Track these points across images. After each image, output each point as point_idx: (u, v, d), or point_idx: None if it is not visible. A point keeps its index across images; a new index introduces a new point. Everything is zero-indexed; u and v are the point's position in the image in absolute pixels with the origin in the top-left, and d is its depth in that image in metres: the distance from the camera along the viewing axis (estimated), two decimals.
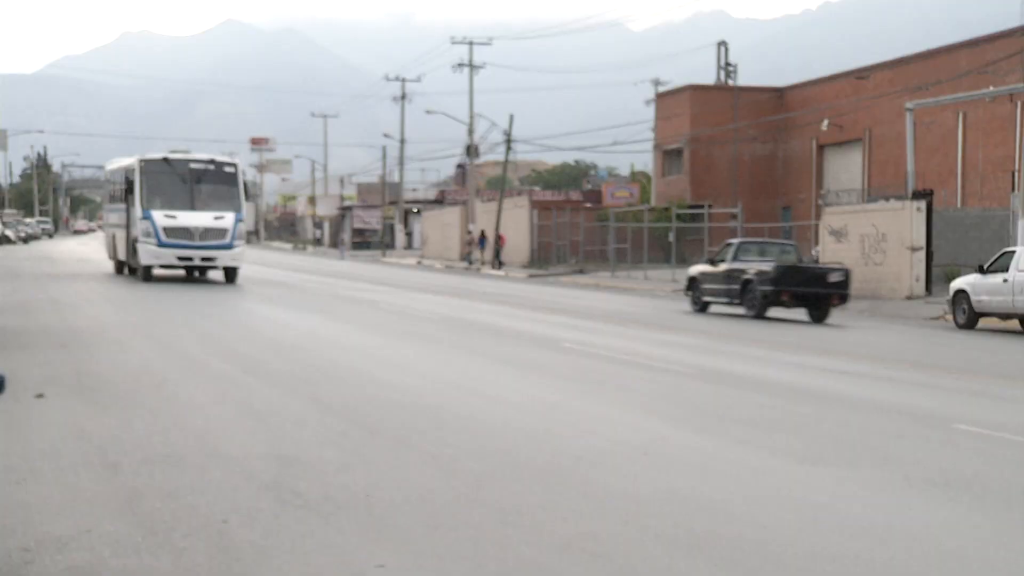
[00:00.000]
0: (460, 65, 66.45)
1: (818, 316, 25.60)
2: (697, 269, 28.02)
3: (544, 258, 59.18)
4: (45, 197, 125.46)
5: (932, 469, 8.51)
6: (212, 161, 31.29)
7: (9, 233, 75.11)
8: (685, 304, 28.75)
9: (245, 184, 31.82)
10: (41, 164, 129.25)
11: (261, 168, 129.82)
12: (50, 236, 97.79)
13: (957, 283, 25.48)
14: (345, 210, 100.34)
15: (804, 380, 13.88)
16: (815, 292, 25.31)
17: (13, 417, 9.64)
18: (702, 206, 51.20)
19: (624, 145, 69.43)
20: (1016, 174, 37.37)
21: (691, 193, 59.02)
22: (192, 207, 30.25)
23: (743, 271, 25.92)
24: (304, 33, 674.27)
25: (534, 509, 6.94)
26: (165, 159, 30.88)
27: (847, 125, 53.78)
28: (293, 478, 7.60)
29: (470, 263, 60.79)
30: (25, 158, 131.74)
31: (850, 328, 23.98)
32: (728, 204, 52.20)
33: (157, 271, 31.20)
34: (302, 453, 8.44)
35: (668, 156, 63.03)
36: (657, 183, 64.69)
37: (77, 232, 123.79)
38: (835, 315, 26.27)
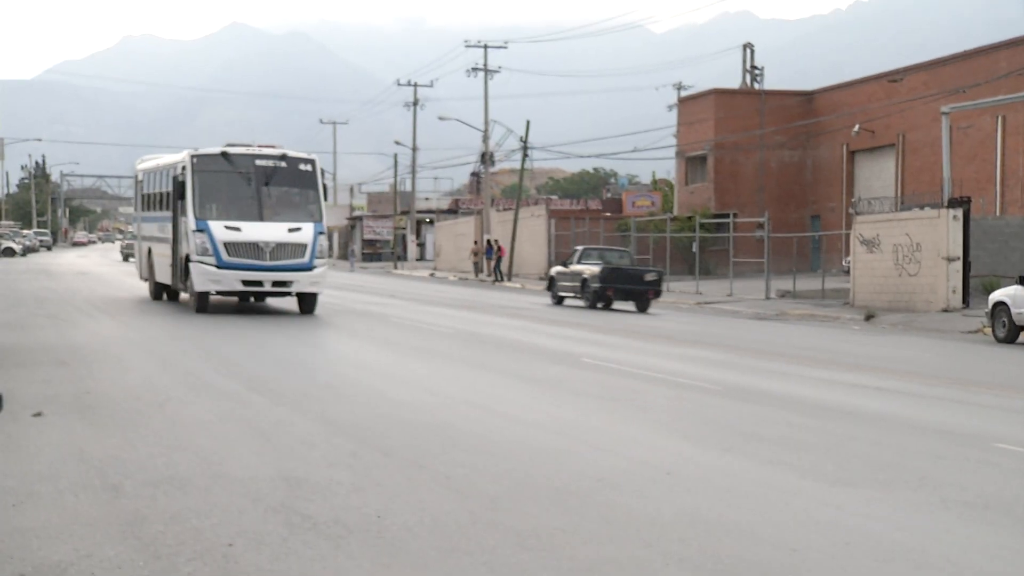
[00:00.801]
0: (474, 69, 66.59)
1: (641, 307, 32.85)
2: (556, 269, 36.58)
3: None
4: (43, 208, 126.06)
5: (970, 491, 8.47)
6: (284, 157, 25.12)
7: (13, 245, 75.92)
8: (713, 315, 28.72)
9: (324, 187, 25.71)
10: (39, 173, 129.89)
11: None
12: (48, 248, 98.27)
13: (996, 295, 25.38)
14: (355, 220, 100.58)
15: (834, 397, 13.84)
16: (633, 288, 32.78)
17: (11, 437, 9.68)
18: (727, 215, 51.19)
19: (645, 152, 69.38)
20: None
21: (715, 202, 58.98)
22: (260, 216, 24.48)
23: (582, 272, 33.75)
24: (312, 37, 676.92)
25: (552, 532, 6.93)
26: (224, 154, 24.98)
27: (879, 130, 53.67)
28: (302, 500, 7.61)
29: (477, 273, 61.00)
30: (23, 167, 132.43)
31: (883, 342, 23.91)
32: (754, 213, 52.13)
33: (213, 298, 25.48)
34: (311, 474, 8.45)
35: (691, 163, 63.00)
36: (680, 191, 64.66)
37: (76, 244, 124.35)
38: (869, 328, 26.18)
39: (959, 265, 32.49)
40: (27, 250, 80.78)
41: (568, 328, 24.94)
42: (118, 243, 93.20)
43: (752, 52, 67.99)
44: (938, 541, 7.00)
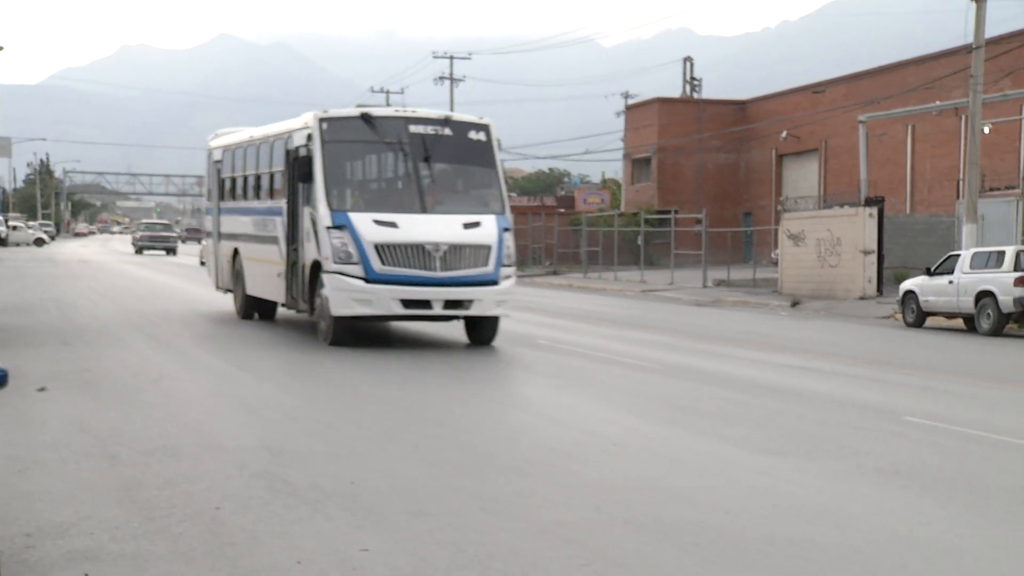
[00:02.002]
0: (441, 78, 66.37)
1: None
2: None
3: (520, 260, 59.15)
4: (48, 202, 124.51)
5: (884, 459, 8.55)
6: (448, 121, 16.11)
7: (44, 236, 74.85)
8: (656, 302, 28.74)
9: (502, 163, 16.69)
10: (43, 170, 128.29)
11: None
12: (52, 238, 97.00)
13: (906, 284, 25.62)
14: None
15: (764, 375, 13.92)
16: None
17: (17, 410, 9.56)
18: (669, 212, 51.32)
19: (595, 154, 69.59)
20: (960, 183, 37.64)
21: (659, 200, 59.13)
22: (422, 206, 15.46)
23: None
24: (294, 47, 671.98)
25: (510, 497, 6.93)
26: (366, 117, 15.88)
27: (804, 136, 54.01)
28: (283, 467, 7.56)
29: None
30: (28, 164, 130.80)
31: (807, 327, 24.09)
32: (693, 210, 52.32)
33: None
34: (292, 444, 8.40)
35: (637, 165, 63.13)
36: (626, 190, 64.78)
37: (78, 235, 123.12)
38: (795, 313, 26.34)
39: (874, 258, 32.78)
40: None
41: (526, 313, 24.96)
42: (118, 234, 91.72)
43: (691, 65, 68.19)
44: (856, 503, 7.06)
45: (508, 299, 15.67)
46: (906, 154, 47.16)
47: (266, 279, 17.96)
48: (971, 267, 23.54)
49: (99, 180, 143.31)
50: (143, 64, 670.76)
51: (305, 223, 15.85)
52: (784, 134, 53.28)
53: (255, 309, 19.36)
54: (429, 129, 15.90)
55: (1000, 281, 22.51)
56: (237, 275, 19.68)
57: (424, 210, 15.41)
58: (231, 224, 20.16)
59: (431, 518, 6.36)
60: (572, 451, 8.46)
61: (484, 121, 16.32)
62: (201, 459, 7.76)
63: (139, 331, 16.99)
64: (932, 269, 24.93)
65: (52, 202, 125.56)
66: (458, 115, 16.43)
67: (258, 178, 18.67)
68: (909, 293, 25.17)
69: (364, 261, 14.74)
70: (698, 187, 59.68)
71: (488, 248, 15.22)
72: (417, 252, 14.85)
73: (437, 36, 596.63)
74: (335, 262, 14.83)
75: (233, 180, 20.23)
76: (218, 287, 21.23)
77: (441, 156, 15.99)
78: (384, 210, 15.31)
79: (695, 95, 66.04)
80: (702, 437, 9.33)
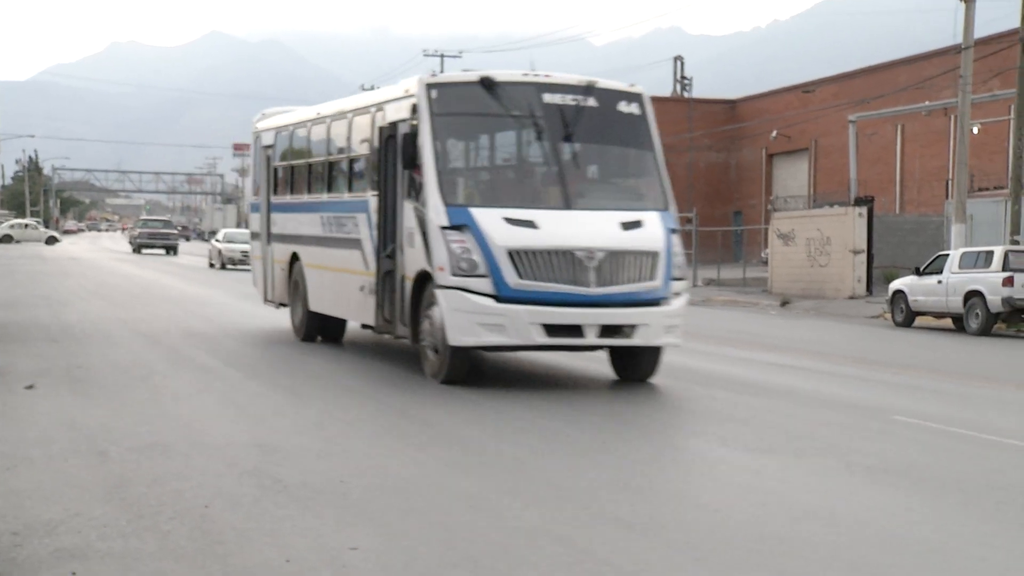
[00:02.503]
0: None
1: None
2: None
3: None
4: (36, 199, 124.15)
5: (872, 457, 8.57)
6: (592, 89, 12.37)
7: (56, 234, 74.87)
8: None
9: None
10: (32, 167, 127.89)
11: (244, 172, 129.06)
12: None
13: (895, 284, 25.71)
14: None
15: (753, 374, 13.94)
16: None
17: (6, 406, 9.53)
18: None
19: None
20: (950, 183, 37.73)
21: None
22: (565, 200, 11.93)
23: None
24: (286, 44, 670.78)
25: (500, 496, 6.93)
26: (487, 82, 12.06)
27: (795, 136, 54.12)
28: (273, 465, 7.55)
29: None
30: (17, 161, 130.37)
31: (796, 326, 24.14)
32: (684, 209, 52.28)
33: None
34: (282, 442, 8.38)
35: None
36: None
37: (67, 232, 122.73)
38: (784, 313, 26.41)
39: (864, 257, 32.87)
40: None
41: None
42: (106, 232, 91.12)
43: (682, 64, 68.25)
44: (845, 501, 7.07)
45: (680, 323, 11.78)
46: (896, 154, 47.29)
47: (341, 293, 14.16)
48: (960, 267, 23.62)
49: (88, 177, 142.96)
50: (133, 61, 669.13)
51: (406, 222, 12.08)
52: (774, 133, 53.38)
53: (319, 329, 15.36)
54: (569, 99, 12.13)
55: (988, 281, 22.59)
56: (296, 286, 15.72)
57: (568, 205, 11.70)
58: (287, 223, 16.25)
59: (421, 515, 6.36)
60: (554, 449, 8.45)
61: (636, 89, 12.66)
62: (191, 457, 7.74)
63: (140, 336, 16.95)
64: (921, 269, 25.02)
65: (41, 199, 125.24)
66: (605, 82, 12.47)
67: (330, 166, 14.88)
68: (898, 293, 25.25)
69: (495, 273, 11.00)
70: (688, 186, 59.73)
71: (655, 255, 11.52)
72: (565, 261, 11.07)
73: (430, 33, 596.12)
74: (454, 274, 11.08)
75: (291, 169, 16.35)
76: (267, 300, 17.27)
77: (585, 133, 12.13)
78: (517, 204, 11.62)
79: (686, 94, 66.10)
80: (690, 436, 9.33)
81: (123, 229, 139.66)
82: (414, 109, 11.94)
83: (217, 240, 44.97)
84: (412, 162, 11.75)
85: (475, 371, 12.09)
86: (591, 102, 12.18)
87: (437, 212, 11.37)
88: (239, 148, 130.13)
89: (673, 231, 11.99)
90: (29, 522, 6.01)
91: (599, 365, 13.23)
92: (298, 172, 16.11)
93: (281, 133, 16.79)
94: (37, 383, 10.81)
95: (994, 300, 22.35)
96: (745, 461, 8.26)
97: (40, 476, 7.10)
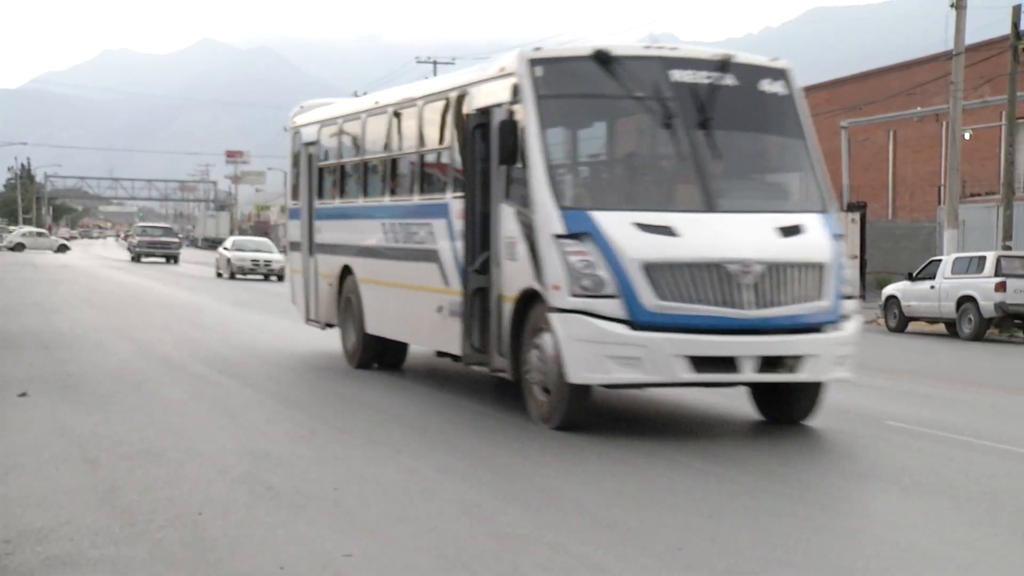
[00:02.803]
0: None
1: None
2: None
3: None
4: (29, 206, 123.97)
5: (864, 463, 8.58)
6: (728, 64, 10.05)
7: (66, 242, 74.96)
8: None
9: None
10: (25, 175, 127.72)
11: (236, 179, 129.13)
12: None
13: (888, 289, 25.77)
14: None
15: None
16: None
17: None
18: None
19: None
20: (942, 189, 37.85)
21: None
22: (707, 200, 9.47)
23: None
24: (277, 51, 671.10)
25: (494, 503, 6.93)
26: (602, 57, 9.68)
27: None
28: (265, 472, 7.54)
29: None
30: (9, 169, 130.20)
31: None
32: None
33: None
34: (274, 449, 8.38)
35: None
36: None
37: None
38: None
39: (856, 262, 32.94)
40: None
41: None
42: (99, 239, 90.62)
43: None
44: (837, 507, 7.08)
45: (853, 352, 9.57)
46: (888, 159, 47.43)
47: (410, 314, 11.95)
48: (952, 272, 23.69)
49: (81, 185, 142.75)
50: (124, 68, 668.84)
51: (505, 229, 9.86)
52: None
53: (376, 355, 13.06)
54: (702, 76, 9.85)
55: (981, 286, 22.66)
56: (348, 304, 13.45)
57: (710, 206, 9.37)
58: (337, 232, 13.93)
59: (413, 522, 6.35)
60: (549, 461, 8.44)
61: (781, 64, 10.42)
62: (183, 464, 7.73)
63: (126, 339, 16.92)
64: (914, 274, 25.09)
65: (34, 207, 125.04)
66: (743, 55, 10.30)
67: (393, 163, 12.54)
68: (891, 298, 25.31)
69: (627, 292, 8.84)
70: None
71: (822, 268, 9.25)
72: (714, 276, 8.87)
73: (421, 40, 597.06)
74: (574, 294, 8.94)
75: (341, 169, 14.08)
76: (309, 319, 15.01)
77: (724, 118, 9.83)
78: (647, 207, 9.44)
79: None
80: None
81: (119, 236, 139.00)
82: (515, 91, 9.72)
83: (225, 248, 42.13)
84: (512, 156, 9.55)
85: (594, 413, 9.61)
86: (728, 80, 9.90)
87: (549, 217, 9.15)
88: (232, 155, 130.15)
89: (838, 236, 9.66)
90: (21, 530, 6.00)
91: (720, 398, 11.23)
92: (351, 172, 13.75)
93: (327, 128, 14.43)
94: (28, 390, 10.79)
95: (987, 305, 22.41)
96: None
97: (31, 483, 7.08)
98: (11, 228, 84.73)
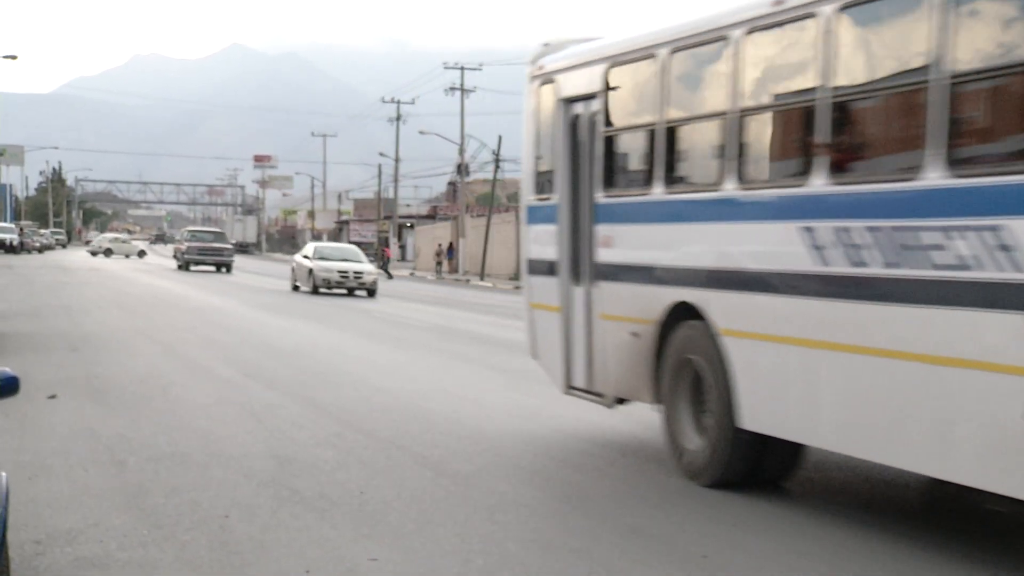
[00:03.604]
0: (452, 89, 66.54)
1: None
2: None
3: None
4: (59, 209, 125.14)
5: (891, 471, 8.51)
6: None
7: (145, 248, 77.91)
8: None
9: None
10: (56, 179, 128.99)
11: (263, 184, 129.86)
12: (63, 246, 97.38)
13: None
14: (342, 224, 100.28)
15: None
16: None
17: (27, 416, 9.59)
18: None
19: None
20: None
21: None
22: None
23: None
24: (305, 57, 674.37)
25: (518, 508, 6.92)
26: None
27: None
28: (290, 476, 7.57)
29: (439, 272, 62.50)
30: (41, 172, 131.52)
31: None
32: None
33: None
34: (299, 453, 8.41)
35: None
36: None
37: (88, 243, 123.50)
38: None
39: None
40: (44, 247, 79.98)
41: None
42: (137, 243, 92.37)
43: None
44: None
45: None
46: None
47: (923, 416, 6.02)
48: None
49: (110, 188, 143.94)
50: (154, 73, 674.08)
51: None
52: None
53: (751, 464, 7.52)
54: None
55: None
56: (684, 372, 8.01)
57: None
58: (663, 244, 8.27)
59: (439, 527, 6.36)
60: (581, 462, 8.42)
61: None
62: (209, 467, 7.77)
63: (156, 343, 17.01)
64: None
65: (64, 210, 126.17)
66: None
67: (841, 110, 6.69)
68: None
69: None
70: None
71: None
72: None
73: (449, 46, 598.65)
74: None
75: (669, 137, 8.24)
76: (572, 387, 9.53)
77: None
78: None
79: None
80: None
81: (152, 241, 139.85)
82: None
83: (305, 257, 34.41)
84: None
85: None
86: None
87: None
88: (259, 160, 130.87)
89: None
90: (50, 531, 6.05)
91: None
92: (706, 138, 8.07)
93: (625, 68, 8.86)
94: (57, 392, 10.87)
95: None
96: None
97: (60, 485, 7.14)
98: (93, 234, 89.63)
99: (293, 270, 35.58)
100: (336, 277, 32.62)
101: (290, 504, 6.80)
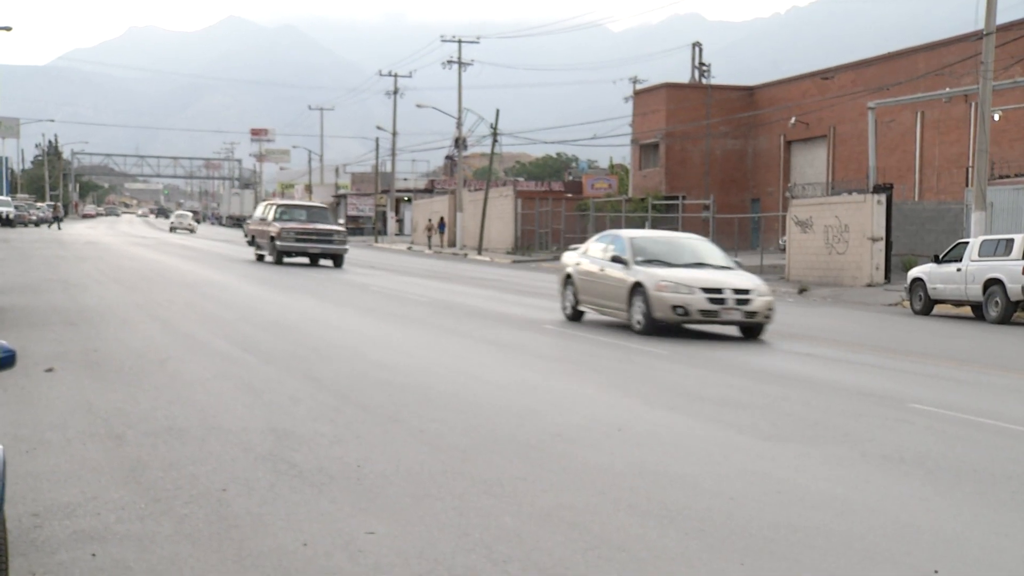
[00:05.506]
0: (450, 62, 66.24)
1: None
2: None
3: (527, 245, 59.23)
4: (56, 183, 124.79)
5: (888, 446, 8.55)
6: None
7: (193, 224, 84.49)
8: None
9: None
10: (52, 152, 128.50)
11: (260, 157, 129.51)
12: (59, 226, 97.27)
13: (914, 272, 25.59)
14: (340, 198, 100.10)
15: (769, 362, 13.91)
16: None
17: (24, 390, 9.60)
18: (676, 198, 51.24)
19: (603, 139, 69.36)
20: (970, 170, 37.49)
21: (666, 185, 59.06)
22: None
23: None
24: (302, 30, 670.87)
25: (515, 481, 6.94)
26: None
27: (813, 123, 53.86)
28: (288, 450, 7.59)
29: (430, 246, 62.54)
30: (36, 145, 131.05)
31: (813, 313, 24.07)
32: (701, 196, 52.26)
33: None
34: (297, 427, 8.42)
35: (645, 150, 63.00)
36: (634, 175, 64.68)
37: (85, 216, 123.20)
38: (802, 300, 26.34)
39: (882, 245, 32.73)
40: (40, 220, 79.84)
41: (535, 298, 24.90)
42: (126, 215, 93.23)
43: (700, 50, 67.97)
44: (858, 490, 7.07)
45: None
46: (915, 141, 47.03)
47: None
48: (979, 255, 23.49)
49: (107, 162, 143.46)
50: (151, 46, 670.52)
51: None
52: (793, 120, 53.15)
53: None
54: None
55: (1008, 269, 22.46)
56: None
57: None
58: None
59: (436, 501, 6.38)
60: (576, 436, 8.47)
61: None
62: (207, 441, 7.79)
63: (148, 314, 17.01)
64: (940, 256, 24.90)
65: (60, 183, 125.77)
66: None
67: None
68: (917, 280, 25.14)
69: None
70: (706, 173, 59.54)
71: None
72: None
73: (447, 20, 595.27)
74: None
75: None
76: None
77: None
78: None
79: (704, 80, 65.86)
80: (706, 423, 9.33)
81: (149, 214, 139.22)
82: None
83: (622, 263, 16.67)
84: None
85: None
86: None
87: None
88: (256, 133, 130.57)
89: None
90: (48, 504, 6.07)
91: None
92: None
93: None
94: (55, 367, 10.88)
95: (1014, 288, 22.22)
96: (760, 448, 8.25)
97: (58, 459, 7.16)
98: (91, 207, 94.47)
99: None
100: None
101: (288, 478, 6.81)
